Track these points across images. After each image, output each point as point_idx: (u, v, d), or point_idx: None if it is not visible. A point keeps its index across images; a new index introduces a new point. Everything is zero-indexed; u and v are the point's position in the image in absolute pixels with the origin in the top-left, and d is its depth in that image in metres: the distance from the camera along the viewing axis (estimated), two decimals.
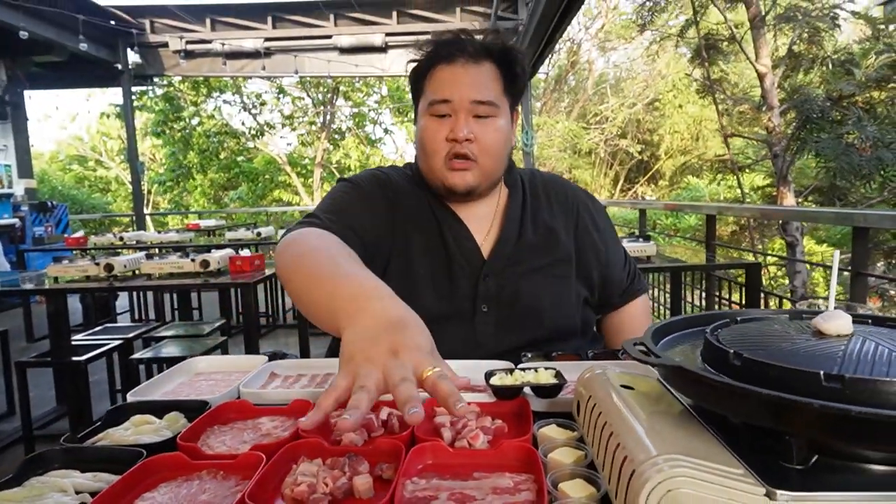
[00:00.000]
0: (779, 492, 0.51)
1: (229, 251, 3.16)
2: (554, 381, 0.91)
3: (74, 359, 2.84)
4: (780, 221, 5.32)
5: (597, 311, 1.36)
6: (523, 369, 0.95)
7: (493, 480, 0.69)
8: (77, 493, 0.69)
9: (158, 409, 0.93)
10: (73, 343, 3.16)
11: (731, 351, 0.61)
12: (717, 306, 3.43)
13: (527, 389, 0.91)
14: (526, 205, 1.28)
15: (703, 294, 3.49)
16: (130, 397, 0.98)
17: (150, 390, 1.05)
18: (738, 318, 0.77)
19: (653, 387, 0.77)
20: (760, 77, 5.66)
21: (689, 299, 3.79)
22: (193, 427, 0.84)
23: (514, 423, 0.86)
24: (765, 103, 5.65)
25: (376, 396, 0.63)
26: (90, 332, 3.42)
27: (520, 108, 1.37)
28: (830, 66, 5.65)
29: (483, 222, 1.26)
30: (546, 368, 0.94)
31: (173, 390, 1.09)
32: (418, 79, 1.22)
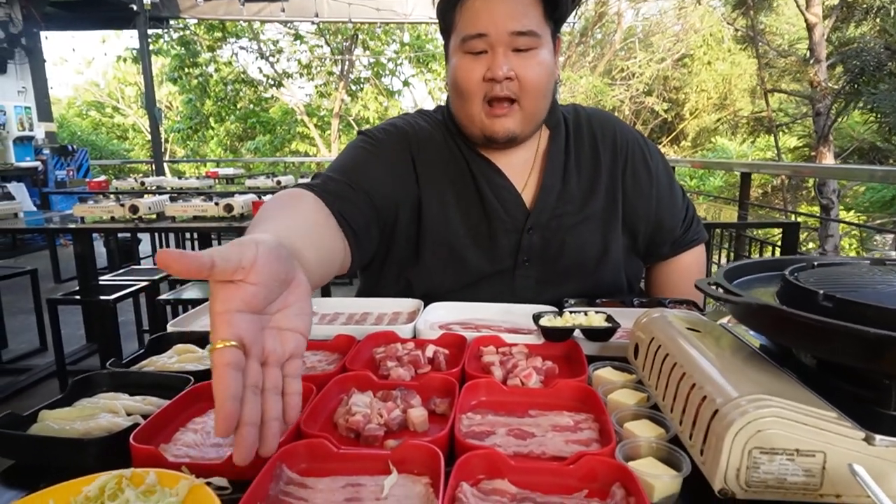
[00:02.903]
0: (878, 436, 0.48)
1: (252, 196, 3.14)
2: (607, 324, 0.87)
3: (103, 298, 2.88)
4: (817, 183, 5.13)
5: (644, 261, 1.25)
6: (571, 312, 0.92)
7: (551, 418, 0.67)
8: (128, 414, 0.68)
9: (199, 339, 0.92)
10: (101, 283, 3.20)
11: (821, 292, 0.57)
12: None
13: (577, 332, 0.88)
14: (569, 148, 1.16)
15: (731, 255, 3.41)
16: (171, 327, 0.97)
17: (188, 322, 1.04)
18: (816, 263, 0.72)
19: (718, 330, 0.73)
20: (809, 27, 5.31)
21: (714, 259, 3.72)
22: None
23: (564, 366, 0.84)
24: (812, 56, 5.32)
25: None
26: (116, 273, 3.46)
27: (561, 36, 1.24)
28: (893, 13, 5.24)
29: (522, 170, 1.15)
30: (597, 312, 0.91)
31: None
32: (448, 13, 1.08)
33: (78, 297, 3.03)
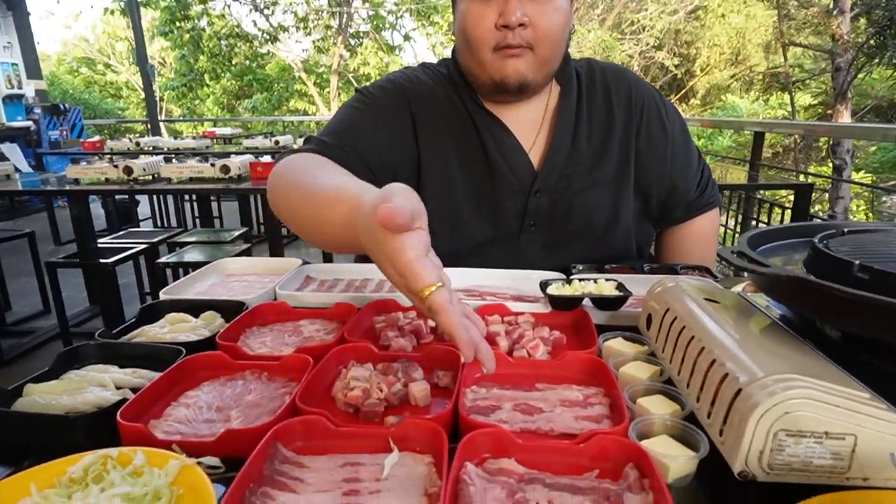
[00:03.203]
0: None
1: (249, 157, 3.07)
2: (617, 292, 0.84)
3: (102, 261, 2.85)
4: (831, 143, 4.99)
5: (656, 225, 1.20)
6: (580, 279, 0.88)
7: (560, 392, 0.64)
8: (117, 388, 0.65)
9: (193, 307, 0.89)
10: (100, 246, 3.17)
11: (857, 263, 0.53)
12: None
13: (586, 301, 0.84)
14: (581, 105, 1.09)
15: (739, 218, 3.35)
16: (163, 295, 0.93)
17: (182, 289, 1.00)
18: (846, 230, 0.68)
19: (737, 301, 0.70)
20: None
21: (721, 222, 3.66)
22: (232, 327, 0.80)
23: (572, 336, 0.80)
24: (836, 7, 5.04)
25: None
26: (115, 235, 3.42)
27: None
28: None
29: (530, 128, 1.09)
30: (607, 280, 0.87)
31: (206, 290, 1.04)
32: None
33: (77, 260, 3.00)
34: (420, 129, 1.08)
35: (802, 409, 0.45)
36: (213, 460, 0.52)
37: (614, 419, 0.58)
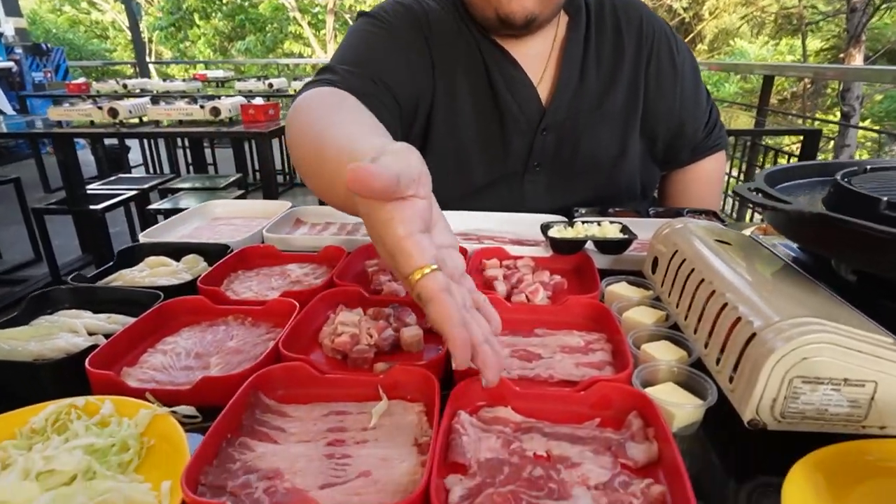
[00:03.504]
0: None
1: (241, 99, 2.95)
2: (622, 235, 0.79)
3: (91, 207, 2.79)
4: (840, 89, 4.83)
5: (661, 167, 1.14)
6: (583, 222, 0.84)
7: (560, 338, 0.61)
8: (90, 334, 0.62)
9: (175, 251, 0.84)
10: (89, 192, 3.10)
11: (885, 199, 0.48)
12: None
13: (589, 244, 0.80)
14: (589, 38, 1.02)
15: (743, 166, 3.28)
16: (143, 238, 0.89)
17: (165, 232, 0.96)
18: (869, 167, 0.63)
19: (750, 243, 0.65)
20: None
21: (725, 170, 3.57)
22: (215, 270, 0.76)
23: (574, 281, 0.77)
24: None
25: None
26: (103, 181, 3.35)
27: None
28: None
29: (537, 62, 1.02)
30: (611, 222, 0.83)
31: (190, 234, 1.00)
32: None
33: (65, 206, 2.94)
34: (437, 59, 0.99)
35: (821, 354, 0.42)
36: (188, 409, 0.49)
37: (617, 366, 0.55)
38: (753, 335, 0.45)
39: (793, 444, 0.44)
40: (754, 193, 0.55)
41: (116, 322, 0.64)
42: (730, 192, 3.08)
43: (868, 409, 0.43)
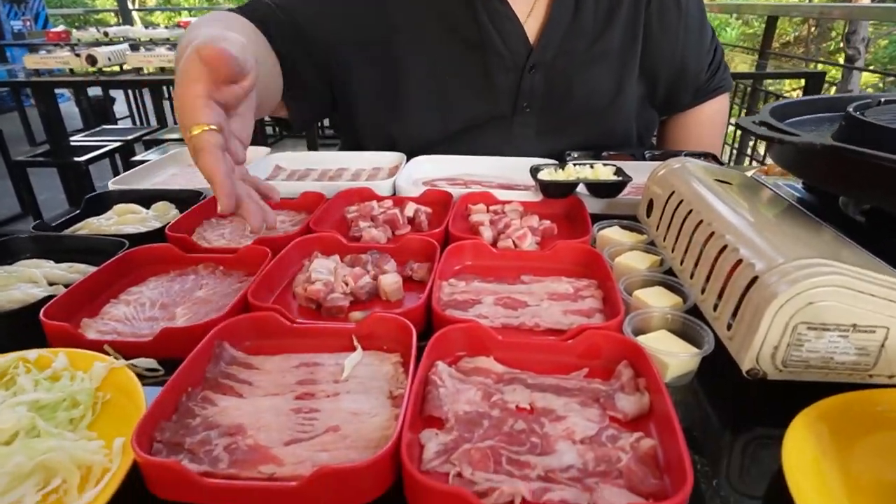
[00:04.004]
0: None
1: None
2: (615, 178, 0.75)
3: (75, 159, 2.71)
4: (846, 31, 4.66)
5: (661, 112, 1.09)
6: (575, 164, 0.79)
7: (547, 285, 0.57)
8: (51, 284, 0.58)
9: (145, 198, 0.80)
10: (73, 144, 3.01)
11: None
12: None
13: (581, 188, 0.75)
14: None
15: (743, 113, 3.19)
16: (112, 185, 0.84)
17: (138, 180, 0.91)
18: (882, 100, 0.58)
19: (752, 183, 0.61)
20: None
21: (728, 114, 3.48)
22: (185, 217, 0.71)
23: (564, 226, 0.73)
24: None
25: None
26: (87, 132, 3.25)
27: None
28: None
29: None
30: (604, 165, 0.78)
31: (165, 181, 0.95)
32: None
33: (48, 158, 2.86)
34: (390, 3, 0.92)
35: (829, 298, 0.38)
36: (149, 362, 0.46)
37: (607, 313, 0.52)
38: (755, 279, 0.42)
39: (793, 394, 0.41)
40: (759, 126, 0.50)
41: (78, 271, 0.61)
42: (731, 128, 2.99)
43: (878, 356, 0.40)
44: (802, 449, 0.33)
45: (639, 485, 0.33)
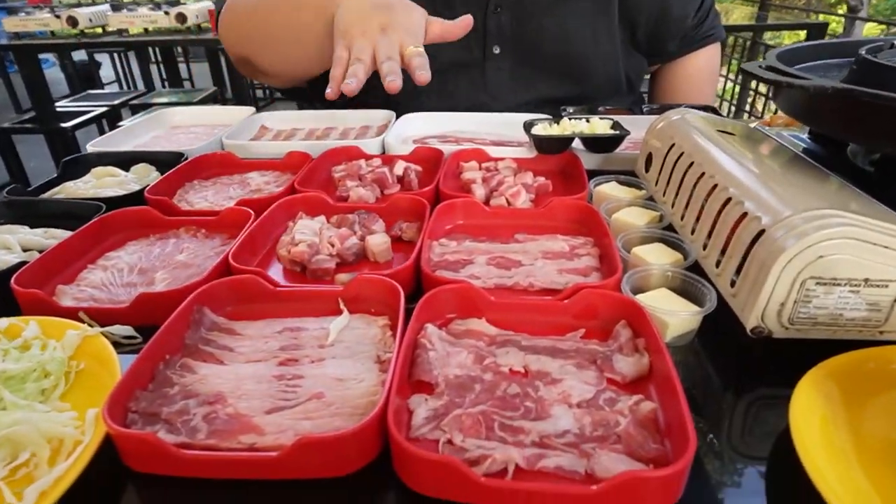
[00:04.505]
0: None
1: (207, 4, 2.73)
2: (612, 131, 0.72)
3: (61, 125, 2.64)
4: None
5: (648, 60, 1.03)
6: (570, 118, 0.76)
7: (542, 243, 0.55)
8: (25, 250, 0.56)
9: (125, 161, 0.77)
10: (58, 110, 2.93)
11: None
12: (756, 83, 3.07)
13: (577, 143, 0.72)
14: None
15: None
16: (91, 147, 0.81)
17: (118, 142, 0.87)
18: (895, 43, 0.54)
19: (756, 133, 0.58)
20: None
21: (722, 72, 3.39)
22: (165, 180, 0.68)
23: (559, 182, 0.70)
24: None
25: (371, 68, 0.68)
26: (73, 98, 3.17)
27: None
28: None
29: None
30: (601, 118, 0.75)
31: (146, 143, 0.91)
32: None
33: (33, 125, 2.79)
34: None
35: (840, 251, 0.36)
36: (125, 329, 0.44)
37: (605, 271, 0.49)
38: (762, 232, 0.39)
39: (799, 352, 0.39)
40: (767, 71, 0.47)
41: (54, 237, 0.58)
42: (730, 84, 2.92)
43: (890, 312, 0.38)
44: (811, 409, 0.31)
45: (638, 450, 0.32)
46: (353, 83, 0.65)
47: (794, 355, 0.38)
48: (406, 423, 0.35)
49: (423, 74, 0.67)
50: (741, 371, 0.41)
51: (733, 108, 2.89)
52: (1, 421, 0.32)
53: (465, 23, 0.76)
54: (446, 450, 0.33)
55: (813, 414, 0.31)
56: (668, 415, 0.34)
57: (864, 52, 0.50)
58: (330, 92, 0.67)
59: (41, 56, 3.01)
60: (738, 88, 2.90)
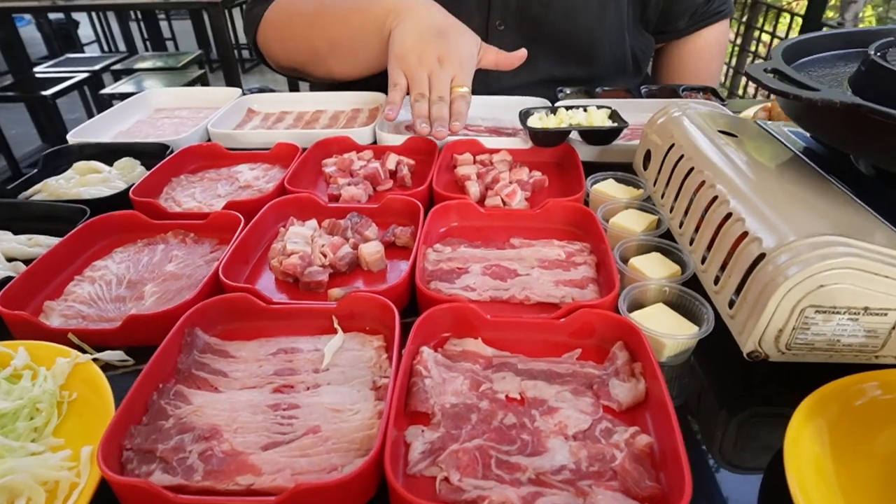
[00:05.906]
0: None
1: None
2: (611, 123, 0.70)
3: (42, 93, 2.56)
4: None
5: (656, 38, 1.01)
6: (567, 108, 0.74)
7: (538, 250, 0.54)
8: (9, 259, 0.55)
9: (108, 153, 0.74)
10: (37, 76, 2.84)
11: None
12: (756, 45, 3.00)
13: (574, 134, 0.71)
14: None
15: (741, 28, 3.03)
16: (72, 138, 0.78)
17: (100, 129, 0.84)
18: None
19: (758, 135, 0.57)
20: None
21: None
22: (151, 177, 0.66)
23: (556, 177, 0.69)
24: None
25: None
26: (51, 63, 3.06)
27: None
28: None
29: None
30: (599, 107, 0.73)
31: (129, 129, 0.89)
32: None
33: (12, 92, 2.70)
34: None
35: (842, 281, 0.36)
36: (117, 354, 0.43)
37: (601, 283, 0.49)
38: (762, 256, 0.39)
39: (795, 373, 0.39)
40: (771, 76, 0.46)
41: (39, 244, 0.57)
42: (732, 66, 2.87)
43: (887, 338, 0.38)
44: (805, 449, 0.32)
45: (634, 487, 0.32)
46: (423, 127, 0.70)
47: (789, 375, 0.38)
48: (403, 457, 0.35)
49: (456, 125, 0.70)
50: (737, 389, 0.41)
51: (731, 73, 2.84)
52: None
53: (519, 55, 0.79)
54: (443, 488, 0.33)
55: (807, 453, 0.31)
56: (663, 444, 0.34)
57: (873, 52, 0.48)
58: (391, 114, 0.71)
59: (15, 15, 2.89)
60: (737, 51, 2.84)
